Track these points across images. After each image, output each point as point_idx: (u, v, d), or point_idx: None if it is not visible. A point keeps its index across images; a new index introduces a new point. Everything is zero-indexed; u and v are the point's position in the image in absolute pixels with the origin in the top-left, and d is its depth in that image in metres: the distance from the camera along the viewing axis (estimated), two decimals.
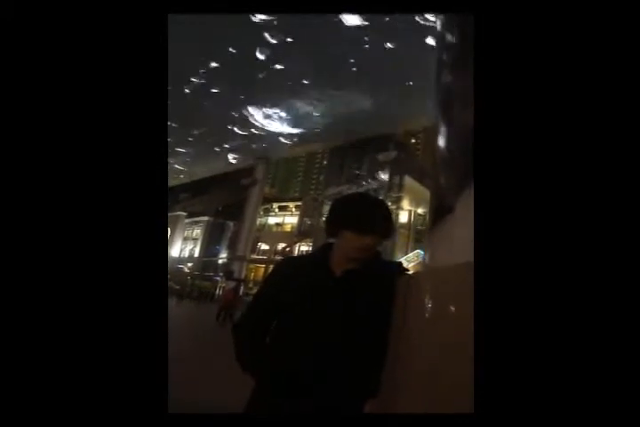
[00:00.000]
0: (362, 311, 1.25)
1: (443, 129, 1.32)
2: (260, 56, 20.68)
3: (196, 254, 42.78)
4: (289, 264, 1.51)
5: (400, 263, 1.57)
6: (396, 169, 27.96)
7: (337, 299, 1.28)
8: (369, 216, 1.28)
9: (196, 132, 30.68)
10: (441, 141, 1.33)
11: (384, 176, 28.34)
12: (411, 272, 1.43)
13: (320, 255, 1.39)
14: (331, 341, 1.24)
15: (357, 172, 30.85)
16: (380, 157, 28.98)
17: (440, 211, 1.21)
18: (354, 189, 26.01)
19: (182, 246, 44.11)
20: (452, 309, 0.78)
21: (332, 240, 1.39)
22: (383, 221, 1.31)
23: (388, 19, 17.26)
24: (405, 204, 26.81)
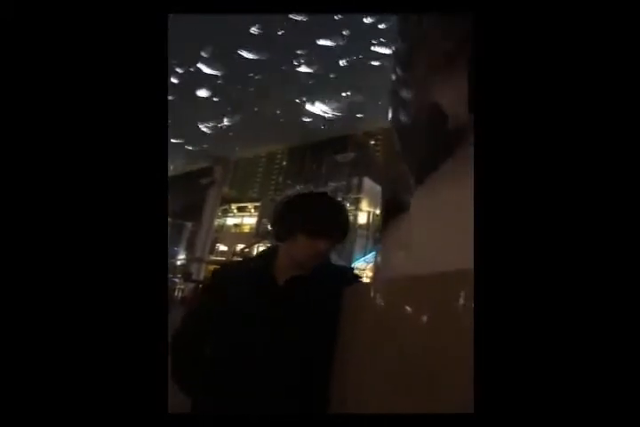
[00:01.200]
0: (306, 323, 1.16)
1: (400, 124, 1.29)
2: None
3: None
4: (228, 271, 1.39)
5: (352, 269, 1.46)
6: (355, 170, 28.12)
7: (279, 309, 1.18)
8: (325, 219, 1.18)
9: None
10: (397, 136, 1.29)
11: (342, 177, 28.48)
12: (363, 279, 1.36)
13: (263, 261, 1.27)
14: (272, 353, 1.14)
15: (316, 172, 30.89)
16: (339, 158, 29.10)
17: (393, 210, 1.16)
18: (312, 190, 25.81)
19: None
20: (422, 318, 0.76)
21: (277, 244, 1.28)
22: (340, 225, 1.22)
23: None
24: (364, 205, 26.99)
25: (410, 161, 1.13)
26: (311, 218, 1.18)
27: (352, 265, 21.11)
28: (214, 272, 1.40)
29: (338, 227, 1.22)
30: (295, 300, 1.19)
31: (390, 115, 1.34)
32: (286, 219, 1.24)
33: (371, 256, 23.06)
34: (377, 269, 1.21)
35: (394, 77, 1.35)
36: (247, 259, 1.58)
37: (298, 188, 28.88)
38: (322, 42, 18.41)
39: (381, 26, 16.98)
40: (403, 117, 1.26)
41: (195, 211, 36.63)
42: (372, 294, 0.97)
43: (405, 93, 1.23)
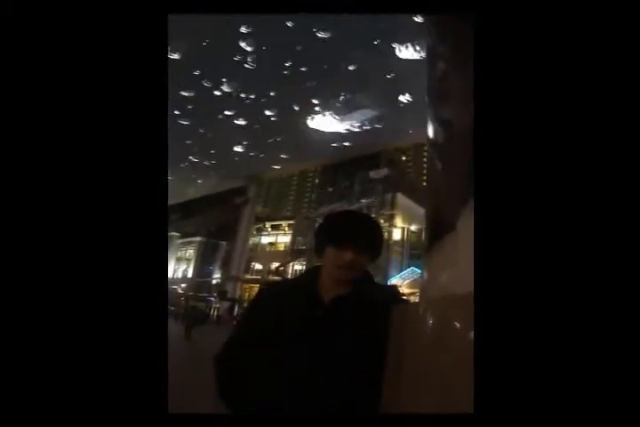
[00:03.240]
0: (353, 342, 1.12)
1: (440, 141, 1.30)
2: None
3: (190, 275, 42.40)
4: (273, 290, 1.40)
5: (395, 287, 1.47)
6: (388, 186, 28.04)
7: (326, 328, 1.15)
8: (349, 229, 1.21)
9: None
10: (438, 154, 1.29)
11: (376, 194, 28.44)
12: (406, 298, 1.35)
13: (307, 280, 1.28)
14: (318, 372, 1.11)
15: (349, 189, 31.00)
16: (372, 174, 29.11)
17: (439, 229, 1.13)
18: (345, 207, 26.04)
19: (175, 267, 43.69)
20: (455, 339, 0.74)
21: (320, 263, 1.29)
22: (365, 235, 1.22)
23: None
24: (399, 221, 26.84)
25: (453, 180, 1.13)
26: (337, 229, 1.23)
27: (388, 282, 21.00)
28: (260, 291, 1.41)
29: (363, 236, 1.22)
30: (341, 318, 1.17)
31: (429, 134, 1.34)
32: (319, 233, 1.28)
33: (407, 273, 22.90)
34: (423, 289, 1.19)
35: (431, 96, 1.35)
36: (292, 278, 1.61)
37: (331, 206, 29.02)
38: None
39: None
40: (442, 136, 1.25)
41: (229, 230, 37.27)
42: (419, 313, 0.96)
43: (444, 111, 1.23)
